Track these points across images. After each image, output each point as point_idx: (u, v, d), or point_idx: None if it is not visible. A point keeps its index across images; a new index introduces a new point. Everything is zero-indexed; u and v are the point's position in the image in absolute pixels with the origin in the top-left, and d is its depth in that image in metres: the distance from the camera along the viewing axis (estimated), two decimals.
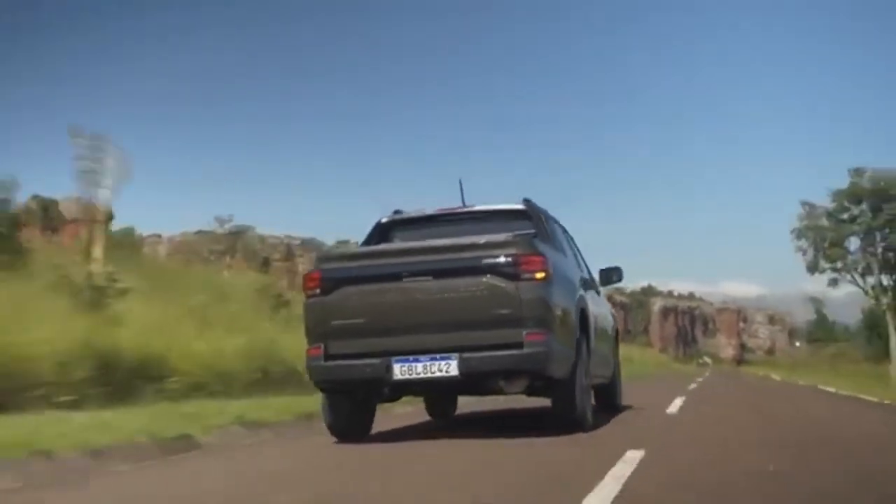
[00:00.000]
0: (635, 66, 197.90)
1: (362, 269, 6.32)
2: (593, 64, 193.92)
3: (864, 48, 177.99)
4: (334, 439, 6.59)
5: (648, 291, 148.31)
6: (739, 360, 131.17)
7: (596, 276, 8.92)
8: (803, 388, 20.05)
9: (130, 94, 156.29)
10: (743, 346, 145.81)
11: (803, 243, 37.81)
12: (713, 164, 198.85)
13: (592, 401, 7.56)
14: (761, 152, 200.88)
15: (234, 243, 62.86)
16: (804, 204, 38.45)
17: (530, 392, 6.68)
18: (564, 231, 8.27)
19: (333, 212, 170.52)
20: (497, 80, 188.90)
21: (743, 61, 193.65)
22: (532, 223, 7.20)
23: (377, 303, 6.18)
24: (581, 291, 7.25)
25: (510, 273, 6.02)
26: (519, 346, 5.95)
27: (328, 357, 6.27)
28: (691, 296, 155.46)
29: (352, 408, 6.73)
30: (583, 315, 7.01)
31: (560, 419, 6.61)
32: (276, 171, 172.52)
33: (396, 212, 7.76)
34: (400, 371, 6.08)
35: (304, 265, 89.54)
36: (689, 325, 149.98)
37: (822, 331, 57.11)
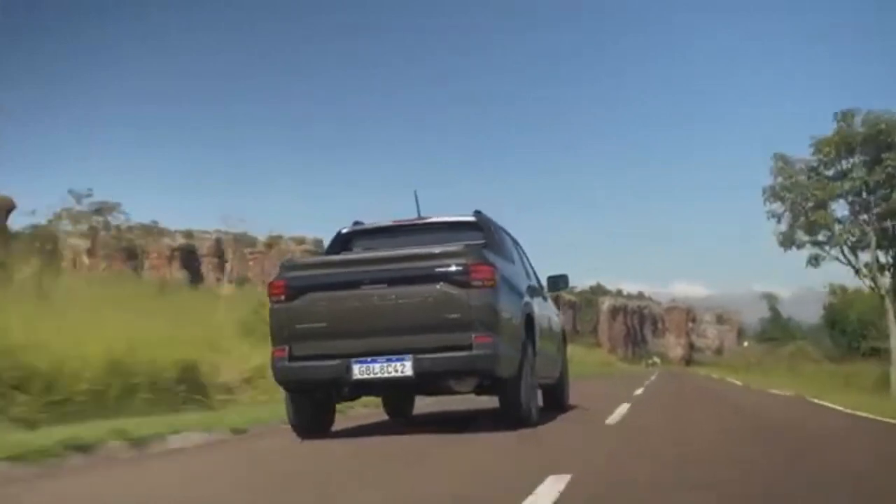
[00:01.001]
0: (585, 68, 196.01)
1: (324, 277, 6.91)
2: (548, 66, 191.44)
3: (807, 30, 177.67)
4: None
5: (597, 290, 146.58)
6: (688, 360, 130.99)
7: (545, 283, 9.67)
8: (789, 401, 14.10)
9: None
10: (692, 346, 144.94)
11: (777, 207, 26.29)
12: (663, 163, 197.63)
13: (540, 401, 8.61)
14: (711, 152, 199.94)
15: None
16: (777, 157, 26.55)
17: (480, 391, 7.37)
18: (514, 241, 8.90)
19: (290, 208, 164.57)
20: (446, 83, 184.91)
21: (687, 54, 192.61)
22: (482, 234, 7.82)
23: (338, 308, 6.75)
24: (527, 298, 7.84)
25: (460, 281, 6.61)
26: (468, 347, 6.56)
27: (292, 358, 6.85)
28: (640, 295, 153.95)
29: (313, 407, 7.34)
30: (528, 319, 7.60)
31: (507, 416, 7.28)
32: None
33: (356, 223, 8.36)
34: (359, 371, 6.66)
35: (234, 261, 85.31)
36: (639, 324, 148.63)
37: (776, 329, 53.57)
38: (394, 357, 6.59)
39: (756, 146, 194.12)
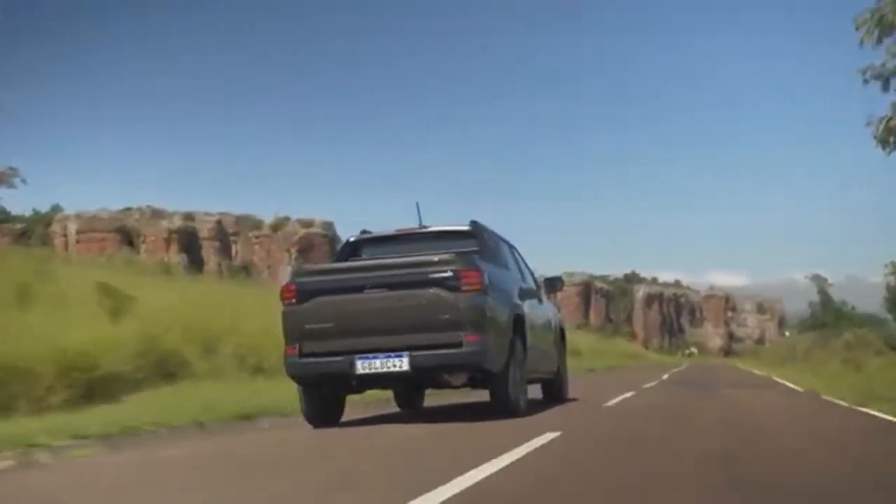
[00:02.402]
0: (619, 56, 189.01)
1: (330, 283, 7.67)
2: (576, 56, 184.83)
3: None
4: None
5: (632, 278, 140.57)
6: (727, 351, 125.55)
7: (542, 284, 10.68)
8: None
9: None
10: (731, 336, 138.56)
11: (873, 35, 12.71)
12: (699, 149, 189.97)
13: (531, 394, 9.16)
14: (752, 140, 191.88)
15: None
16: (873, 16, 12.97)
17: (472, 384, 8.17)
18: (510, 247, 9.73)
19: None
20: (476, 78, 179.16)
21: (739, 49, 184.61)
22: (476, 241, 8.60)
23: (343, 310, 7.51)
24: (517, 300, 8.54)
25: (452, 285, 7.33)
26: (458, 345, 7.28)
27: (302, 355, 7.58)
28: (677, 283, 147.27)
29: (323, 399, 8.03)
30: (518, 319, 8.25)
31: (496, 407, 8.01)
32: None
33: (364, 231, 9.30)
34: (361, 367, 7.38)
35: (239, 245, 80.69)
36: (675, 313, 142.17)
37: (828, 314, 45.93)
38: (392, 354, 7.32)
39: (794, 130, 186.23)
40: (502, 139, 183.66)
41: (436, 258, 7.56)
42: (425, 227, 8.99)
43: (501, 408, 7.98)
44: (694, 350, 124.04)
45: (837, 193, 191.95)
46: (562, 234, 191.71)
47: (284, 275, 74.13)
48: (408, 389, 9.71)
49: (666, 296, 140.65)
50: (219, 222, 77.63)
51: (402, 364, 7.32)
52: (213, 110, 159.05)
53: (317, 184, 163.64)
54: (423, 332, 7.32)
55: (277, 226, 77.46)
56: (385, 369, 7.35)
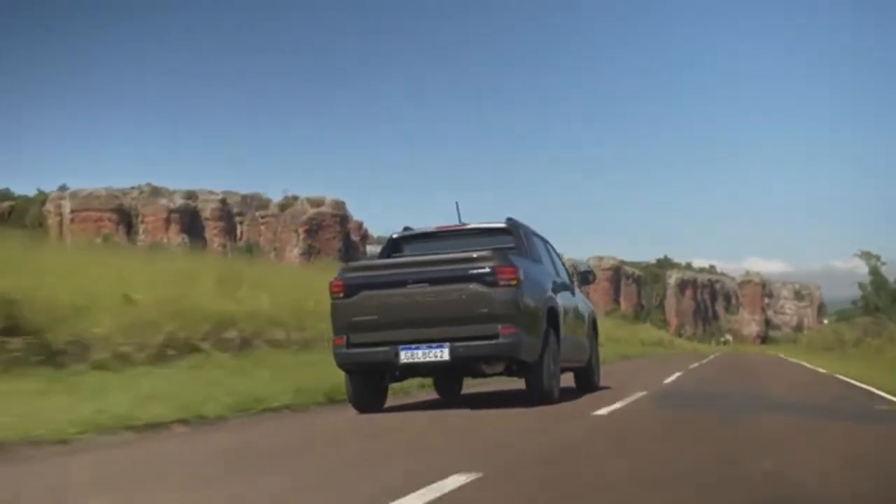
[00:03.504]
0: (656, 42, 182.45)
1: (376, 278, 8.11)
2: (606, 45, 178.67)
3: None
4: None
5: (664, 264, 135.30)
6: (764, 339, 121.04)
7: (575, 277, 11.00)
8: None
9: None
10: (768, 323, 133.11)
11: None
12: (736, 137, 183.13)
13: (565, 382, 9.47)
14: (787, 128, 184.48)
15: None
16: None
17: (509, 373, 8.43)
18: (544, 241, 10.09)
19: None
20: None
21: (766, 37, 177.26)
22: (512, 238, 9.01)
23: (387, 304, 7.90)
24: (551, 293, 8.84)
25: (489, 281, 7.70)
26: (495, 337, 7.66)
27: (349, 346, 7.98)
28: (712, 269, 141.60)
29: (368, 386, 8.37)
30: (551, 312, 8.60)
31: (531, 395, 8.34)
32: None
33: (406, 228, 9.62)
34: (405, 357, 7.77)
35: (245, 225, 76.85)
36: (710, 299, 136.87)
37: (883, 297, 40.11)
38: (434, 345, 7.72)
39: (835, 115, 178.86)
40: (526, 120, 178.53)
41: (474, 255, 7.99)
42: (464, 224, 9.46)
43: (536, 396, 8.34)
44: (729, 338, 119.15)
45: (880, 178, 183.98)
46: (591, 219, 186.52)
47: (292, 257, 70.56)
48: (447, 378, 10.08)
49: (700, 281, 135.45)
50: (223, 201, 73.79)
51: (442, 354, 7.73)
52: (221, 87, 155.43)
53: (328, 162, 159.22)
54: (463, 325, 7.73)
55: (285, 205, 73.38)
56: (427, 359, 7.79)
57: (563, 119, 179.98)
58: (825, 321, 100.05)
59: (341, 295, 8.05)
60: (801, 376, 15.48)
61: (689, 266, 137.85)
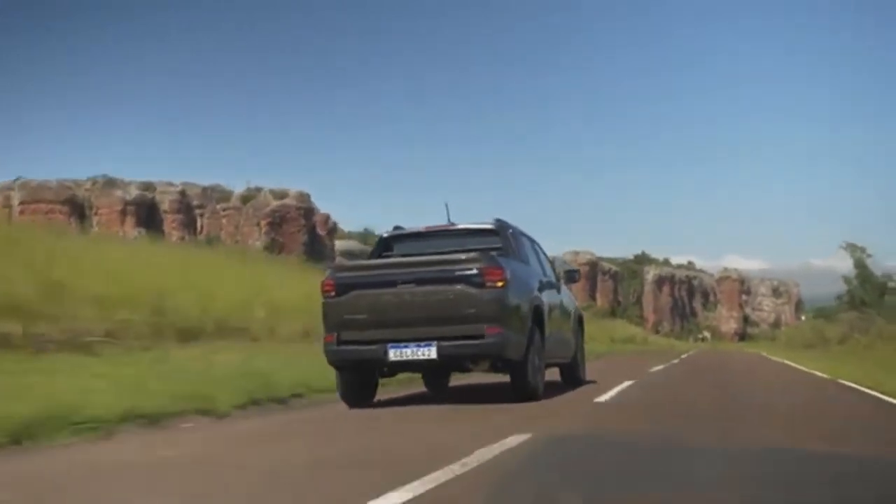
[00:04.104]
0: (637, 38, 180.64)
1: (366, 278, 8.41)
2: (597, 41, 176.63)
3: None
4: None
5: (642, 259, 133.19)
6: (742, 336, 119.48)
7: (562, 275, 11.19)
8: None
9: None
10: (746, 320, 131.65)
11: None
12: (714, 137, 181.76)
13: (554, 377, 10.54)
14: (768, 128, 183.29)
15: None
16: None
17: (494, 370, 8.72)
18: (532, 241, 10.31)
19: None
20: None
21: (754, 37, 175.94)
22: (500, 238, 9.22)
23: (377, 303, 8.17)
24: (536, 292, 9.08)
25: (476, 282, 7.95)
26: (481, 336, 7.92)
27: (340, 343, 8.26)
28: (690, 265, 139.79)
29: (358, 382, 8.72)
30: (537, 311, 8.86)
31: (516, 391, 8.54)
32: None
33: (396, 227, 9.85)
34: (393, 354, 8.02)
35: (206, 218, 73.74)
36: (687, 296, 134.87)
37: (869, 290, 36.73)
38: (422, 343, 7.95)
39: (815, 116, 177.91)
40: (501, 113, 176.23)
41: (462, 256, 8.27)
42: (453, 224, 9.63)
43: (521, 391, 8.50)
44: (707, 335, 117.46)
45: (860, 176, 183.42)
46: (568, 214, 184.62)
47: (254, 250, 67.65)
48: (434, 374, 10.27)
49: (678, 277, 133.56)
50: (182, 193, 70.62)
51: (430, 353, 7.95)
52: (181, 75, 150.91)
53: (292, 153, 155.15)
54: (450, 324, 7.95)
55: (248, 197, 70.35)
56: (415, 357, 7.99)
57: (559, 119, 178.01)
58: (803, 318, 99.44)
59: (332, 294, 8.32)
60: (800, 387, 11.79)
61: (666, 262, 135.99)
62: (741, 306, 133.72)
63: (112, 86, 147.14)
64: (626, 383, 11.32)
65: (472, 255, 8.22)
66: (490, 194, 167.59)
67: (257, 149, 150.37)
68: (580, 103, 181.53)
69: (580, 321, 11.81)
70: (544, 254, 10.85)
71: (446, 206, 9.85)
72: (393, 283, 8.11)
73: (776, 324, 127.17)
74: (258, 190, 71.03)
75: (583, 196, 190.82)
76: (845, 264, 39.52)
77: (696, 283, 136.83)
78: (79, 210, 65.44)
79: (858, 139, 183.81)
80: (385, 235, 9.84)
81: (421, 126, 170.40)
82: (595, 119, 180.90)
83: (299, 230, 70.35)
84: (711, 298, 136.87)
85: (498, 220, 9.45)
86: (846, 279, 40.18)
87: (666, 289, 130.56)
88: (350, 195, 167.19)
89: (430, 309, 7.97)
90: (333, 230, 76.50)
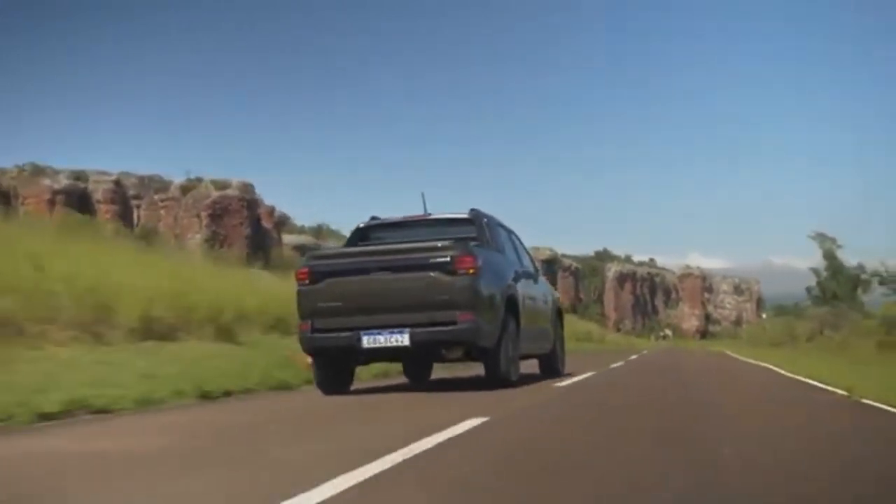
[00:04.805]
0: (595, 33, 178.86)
1: (340, 266, 8.45)
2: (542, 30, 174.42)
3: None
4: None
5: (603, 256, 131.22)
6: (704, 333, 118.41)
7: (541, 267, 11.74)
8: None
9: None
10: (708, 318, 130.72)
11: None
12: (675, 138, 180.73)
13: (535, 368, 11.02)
14: (726, 128, 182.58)
15: None
16: None
17: (468, 358, 8.75)
18: (509, 232, 10.39)
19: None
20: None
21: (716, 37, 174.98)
22: (475, 228, 9.26)
23: (351, 291, 8.21)
24: (511, 282, 9.13)
25: (448, 269, 8.01)
26: (453, 323, 7.98)
27: (314, 330, 8.30)
28: (651, 262, 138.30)
29: (334, 370, 8.77)
30: (511, 300, 8.87)
31: (490, 378, 8.66)
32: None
33: (373, 218, 9.95)
34: (367, 342, 8.07)
35: (143, 209, 69.75)
36: (649, 293, 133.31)
37: (843, 283, 33.54)
38: (395, 330, 8.00)
39: (775, 116, 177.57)
40: (450, 108, 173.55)
41: (435, 244, 8.32)
42: (429, 214, 9.78)
43: (494, 379, 8.58)
44: (668, 332, 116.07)
45: (818, 178, 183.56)
46: (528, 209, 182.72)
47: (193, 244, 63.94)
48: (413, 363, 10.44)
49: (640, 275, 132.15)
50: (117, 182, 66.47)
51: (403, 340, 7.98)
52: (119, 59, 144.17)
53: (236, 143, 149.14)
54: (423, 311, 8.01)
55: (188, 188, 66.38)
56: (388, 344, 8.02)
57: (516, 114, 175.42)
58: (763, 316, 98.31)
59: (307, 281, 8.38)
60: (775, 388, 9.06)
61: (628, 259, 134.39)
62: (703, 304, 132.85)
63: (45, 71, 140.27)
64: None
65: (444, 243, 8.34)
66: (455, 189, 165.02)
67: (202, 140, 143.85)
68: (540, 99, 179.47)
69: (559, 314, 11.85)
70: (522, 245, 10.95)
71: (423, 195, 10.08)
72: (366, 271, 8.21)
73: (738, 322, 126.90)
74: (199, 180, 67.11)
75: (544, 192, 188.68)
76: (805, 262, 37.09)
77: (657, 280, 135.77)
78: (5, 199, 61.15)
79: (818, 139, 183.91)
80: (361, 225, 9.89)
81: (375, 124, 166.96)
82: (556, 115, 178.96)
83: (242, 222, 66.56)
84: (673, 296, 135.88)
85: (473, 210, 9.54)
86: (815, 271, 37.34)
87: (628, 286, 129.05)
88: (311, 192, 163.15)
89: (403, 296, 8.08)
90: (281, 223, 72.91)
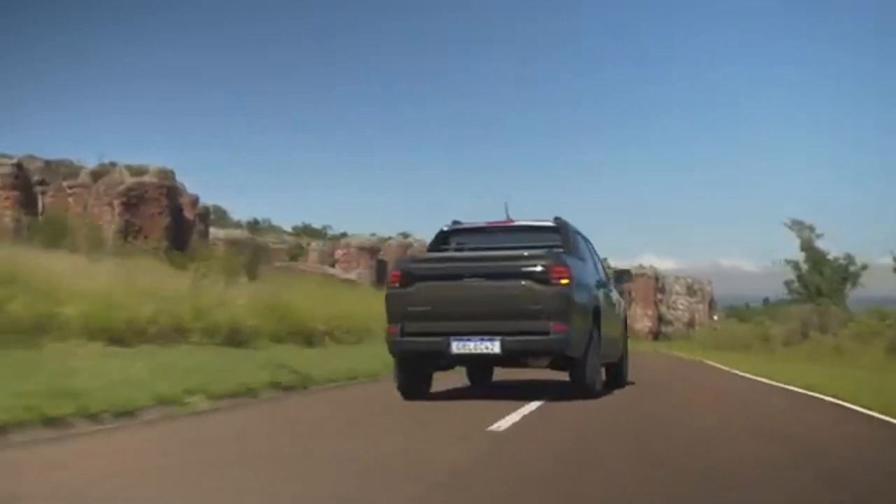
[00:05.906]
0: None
1: (432, 270, 8.55)
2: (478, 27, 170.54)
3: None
4: None
5: None
6: (656, 335, 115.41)
7: (612, 275, 11.55)
8: None
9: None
10: (661, 319, 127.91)
11: None
12: (626, 137, 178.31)
13: (604, 375, 10.03)
14: (675, 127, 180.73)
15: None
16: None
17: (553, 367, 8.97)
18: (586, 240, 10.43)
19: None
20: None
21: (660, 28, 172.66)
22: (559, 236, 9.34)
23: (442, 296, 8.31)
24: (595, 292, 9.28)
25: (542, 279, 8.06)
26: (546, 333, 8.05)
27: (403, 334, 8.42)
28: (604, 262, 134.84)
29: (415, 373, 8.84)
30: (595, 311, 9.02)
31: (575, 387, 8.77)
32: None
33: (455, 222, 10.01)
34: (456, 347, 8.18)
35: (49, 196, 63.65)
36: None
37: (828, 276, 29.62)
38: (486, 337, 8.09)
39: (729, 120, 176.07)
40: (414, 105, 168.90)
41: (528, 253, 8.36)
42: (512, 220, 9.78)
43: (580, 388, 8.66)
44: None
45: (767, 179, 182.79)
46: (477, 210, 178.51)
47: (109, 233, 58.09)
48: (484, 367, 10.61)
49: None
50: (19, 166, 60.10)
51: (493, 347, 8.08)
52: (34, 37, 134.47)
53: (154, 126, 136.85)
54: (515, 320, 8.07)
55: (100, 173, 60.27)
56: (478, 351, 8.14)
57: (472, 111, 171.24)
58: (716, 317, 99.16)
59: (398, 285, 8.49)
60: None
61: None
62: (656, 304, 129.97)
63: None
64: None
65: (537, 251, 8.46)
66: (409, 189, 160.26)
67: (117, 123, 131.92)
68: (488, 91, 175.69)
69: (625, 322, 12.17)
70: (596, 253, 10.97)
71: (506, 205, 10.13)
72: (459, 277, 8.36)
73: (690, 323, 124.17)
74: (113, 165, 61.06)
75: (494, 191, 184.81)
76: (753, 265, 32.97)
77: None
78: None
79: (768, 141, 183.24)
80: (445, 229, 10.01)
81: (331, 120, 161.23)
82: (508, 112, 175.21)
83: (161, 212, 60.68)
84: (626, 297, 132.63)
85: (558, 218, 9.70)
86: (791, 263, 32.62)
87: None
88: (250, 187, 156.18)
89: (495, 303, 8.16)
90: (206, 214, 67.19)
